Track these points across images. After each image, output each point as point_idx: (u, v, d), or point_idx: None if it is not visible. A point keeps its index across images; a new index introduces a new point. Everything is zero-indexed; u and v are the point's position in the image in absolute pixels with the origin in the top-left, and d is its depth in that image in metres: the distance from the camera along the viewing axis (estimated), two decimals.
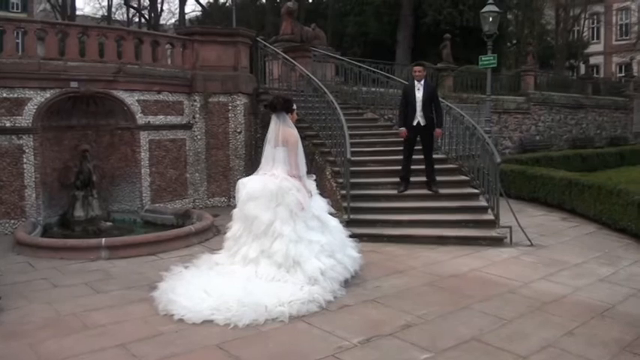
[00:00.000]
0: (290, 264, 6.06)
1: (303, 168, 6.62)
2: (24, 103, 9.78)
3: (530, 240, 8.65)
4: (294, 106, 6.83)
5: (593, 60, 43.16)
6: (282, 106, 6.63)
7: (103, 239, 8.30)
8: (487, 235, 8.72)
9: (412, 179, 9.79)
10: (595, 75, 40.28)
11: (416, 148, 9.80)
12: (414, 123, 9.62)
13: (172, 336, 5.06)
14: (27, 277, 7.00)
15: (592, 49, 44.59)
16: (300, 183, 6.45)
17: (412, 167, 9.76)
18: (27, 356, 4.70)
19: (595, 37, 46.79)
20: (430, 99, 9.60)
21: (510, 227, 8.75)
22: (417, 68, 9.88)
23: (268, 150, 6.60)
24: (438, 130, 9.74)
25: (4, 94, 9.61)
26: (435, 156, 10.05)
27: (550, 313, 5.66)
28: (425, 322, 5.40)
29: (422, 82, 9.68)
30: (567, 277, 6.91)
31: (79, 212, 9.95)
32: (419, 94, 9.59)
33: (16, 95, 9.71)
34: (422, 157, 9.76)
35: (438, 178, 9.81)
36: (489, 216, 9.12)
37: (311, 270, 6.01)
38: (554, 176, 12.05)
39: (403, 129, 9.74)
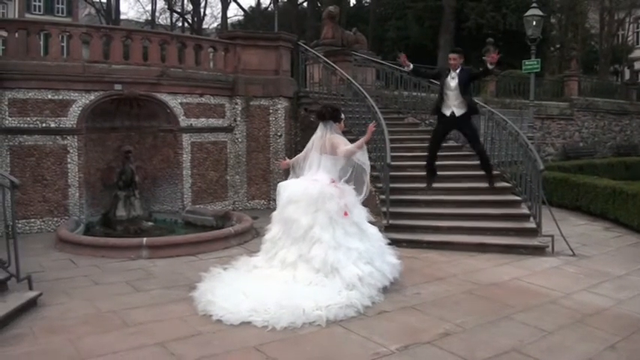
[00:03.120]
0: (328, 270, 6.03)
1: (347, 175, 6.61)
2: (69, 104, 10.01)
3: (572, 250, 8.48)
4: (342, 116, 6.89)
5: (638, 65, 42.21)
6: (330, 115, 6.70)
7: (144, 239, 8.43)
8: (528, 244, 8.57)
9: (453, 185, 9.67)
10: None
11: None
12: (448, 113, 8.49)
13: (210, 336, 5.10)
14: (69, 274, 7.14)
15: (637, 53, 43.38)
16: (343, 190, 6.44)
17: (455, 173, 9.49)
18: (67, 351, 4.78)
19: None
20: (465, 87, 8.39)
21: (552, 236, 8.58)
22: (451, 56, 8.51)
23: (314, 156, 6.62)
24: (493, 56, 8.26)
25: (49, 96, 9.87)
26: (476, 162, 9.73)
27: (591, 325, 5.52)
28: (464, 330, 5.33)
29: (457, 70, 8.35)
30: (610, 289, 6.74)
31: (121, 212, 10.13)
32: (453, 83, 8.31)
33: (60, 97, 9.96)
34: (455, 161, 9.45)
35: (479, 185, 9.63)
36: (531, 224, 8.97)
37: (349, 277, 5.98)
38: (598, 185, 11.77)
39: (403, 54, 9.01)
